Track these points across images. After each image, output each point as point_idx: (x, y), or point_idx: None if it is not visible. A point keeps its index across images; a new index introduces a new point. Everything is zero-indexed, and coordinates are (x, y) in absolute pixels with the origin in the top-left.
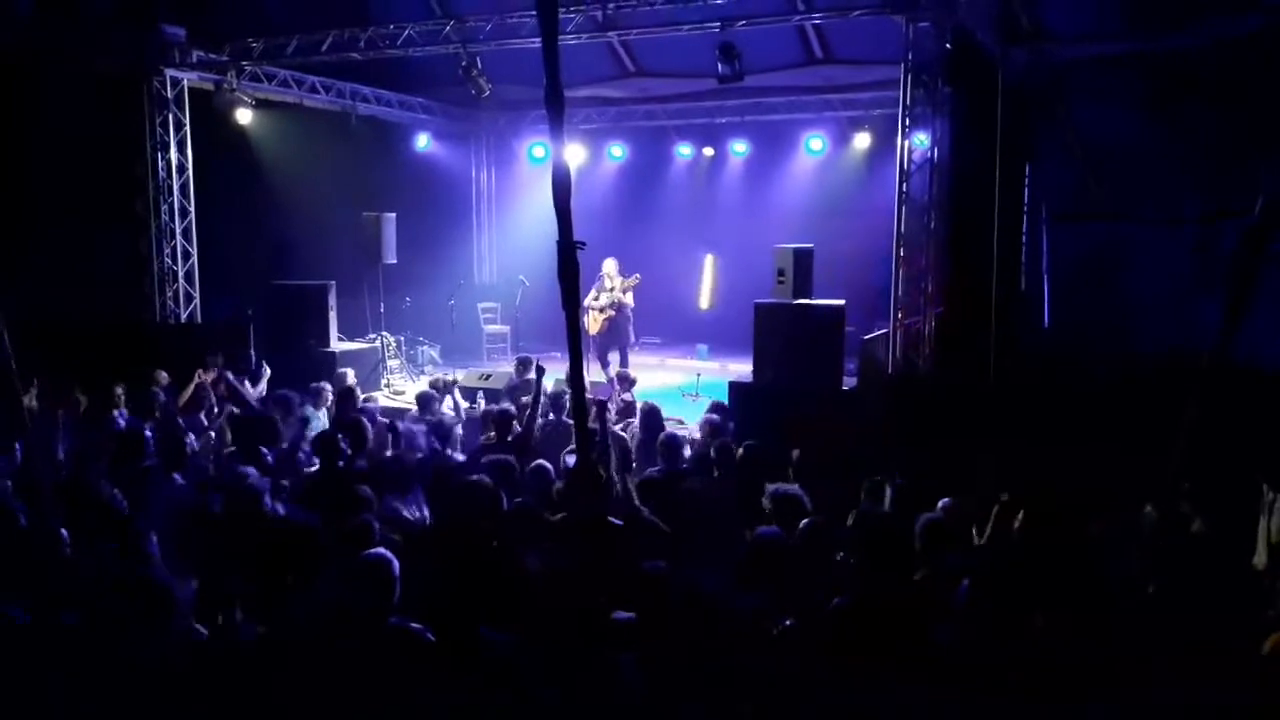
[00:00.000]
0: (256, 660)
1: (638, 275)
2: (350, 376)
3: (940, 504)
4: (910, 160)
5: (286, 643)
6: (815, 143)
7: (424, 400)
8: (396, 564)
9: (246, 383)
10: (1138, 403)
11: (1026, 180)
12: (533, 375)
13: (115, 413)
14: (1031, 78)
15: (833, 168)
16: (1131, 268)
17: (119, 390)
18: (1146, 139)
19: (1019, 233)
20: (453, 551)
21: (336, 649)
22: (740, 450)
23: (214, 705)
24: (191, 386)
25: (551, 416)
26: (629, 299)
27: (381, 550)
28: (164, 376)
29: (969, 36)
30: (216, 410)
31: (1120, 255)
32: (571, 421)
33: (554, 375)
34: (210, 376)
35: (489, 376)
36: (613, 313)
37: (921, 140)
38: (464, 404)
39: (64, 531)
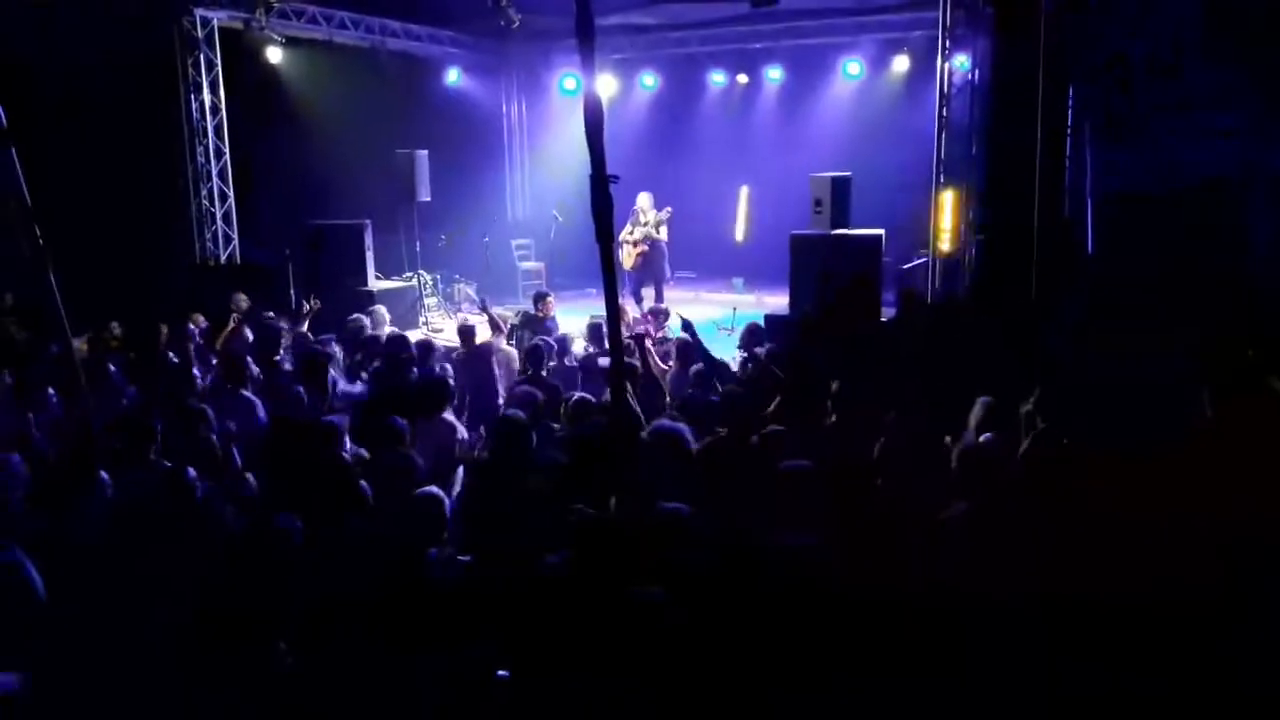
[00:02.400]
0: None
1: (669, 209)
2: (383, 313)
3: (982, 437)
4: (950, 83)
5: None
6: (852, 67)
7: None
8: (448, 501)
9: (283, 323)
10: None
11: (1070, 102)
12: (551, 311)
13: (168, 352)
14: None
15: (870, 93)
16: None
17: (163, 330)
18: (1197, 52)
19: (1062, 156)
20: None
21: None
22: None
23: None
24: (229, 328)
25: (593, 349)
26: (663, 233)
27: (433, 488)
28: (201, 319)
29: None
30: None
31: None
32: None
33: (590, 311)
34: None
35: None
36: (646, 247)
37: (962, 62)
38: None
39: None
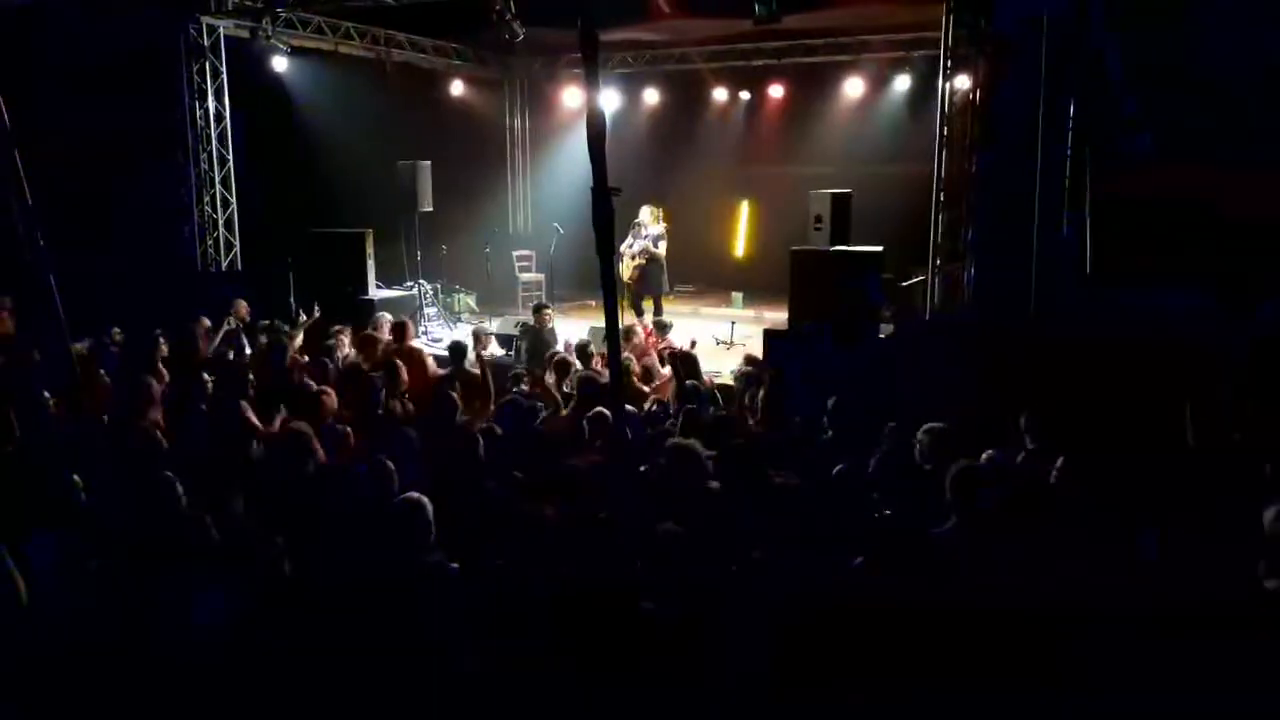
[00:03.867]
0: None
1: (665, 224)
2: (387, 318)
3: (984, 455)
4: (951, 102)
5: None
6: (854, 85)
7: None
8: (430, 507)
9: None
10: (1177, 353)
11: (1070, 121)
12: (549, 323)
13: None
14: (1076, 12)
15: (872, 111)
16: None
17: (160, 335)
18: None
19: (1062, 175)
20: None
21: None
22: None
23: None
24: (220, 333)
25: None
26: (661, 248)
27: (415, 494)
28: (206, 322)
29: None
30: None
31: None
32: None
33: (590, 322)
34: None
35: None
36: (644, 260)
37: (963, 81)
38: (500, 352)
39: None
